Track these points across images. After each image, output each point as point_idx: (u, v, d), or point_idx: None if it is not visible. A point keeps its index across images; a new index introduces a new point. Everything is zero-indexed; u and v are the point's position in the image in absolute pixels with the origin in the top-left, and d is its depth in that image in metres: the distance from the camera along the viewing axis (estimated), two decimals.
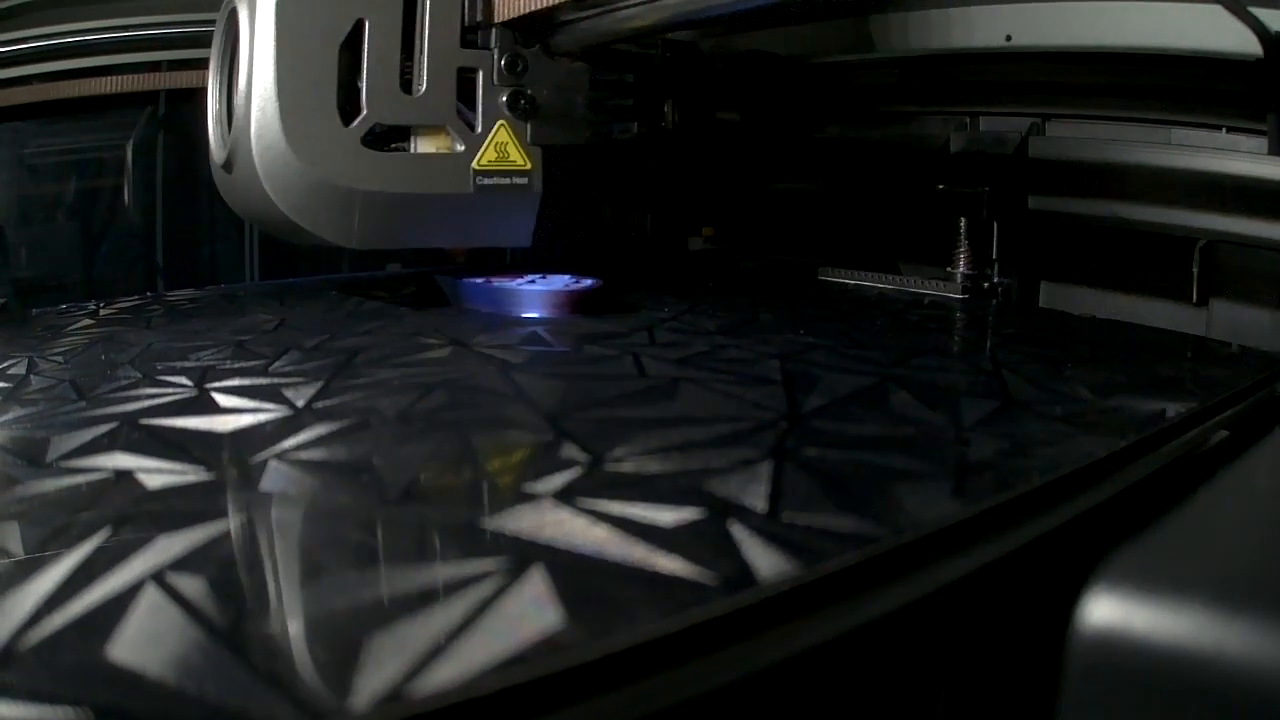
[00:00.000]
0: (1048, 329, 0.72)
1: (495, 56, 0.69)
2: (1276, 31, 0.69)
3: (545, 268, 0.74)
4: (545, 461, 0.38)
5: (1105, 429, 0.43)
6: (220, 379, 0.50)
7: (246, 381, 0.50)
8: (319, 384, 0.48)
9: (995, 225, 0.84)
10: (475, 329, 0.63)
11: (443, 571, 0.28)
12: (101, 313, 0.73)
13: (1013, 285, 0.85)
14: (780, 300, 0.80)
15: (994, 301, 0.83)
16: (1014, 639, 0.33)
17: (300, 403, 0.45)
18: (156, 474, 0.36)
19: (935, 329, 0.70)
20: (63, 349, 0.60)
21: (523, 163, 0.70)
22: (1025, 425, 0.44)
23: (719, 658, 0.25)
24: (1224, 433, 0.44)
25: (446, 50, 0.67)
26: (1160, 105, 0.80)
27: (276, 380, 0.50)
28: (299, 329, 0.64)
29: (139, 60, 1.06)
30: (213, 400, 0.47)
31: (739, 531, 0.30)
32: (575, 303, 0.68)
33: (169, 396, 0.47)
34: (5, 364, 0.56)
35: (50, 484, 0.36)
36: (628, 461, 0.37)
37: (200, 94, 0.74)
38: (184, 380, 0.50)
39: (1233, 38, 0.70)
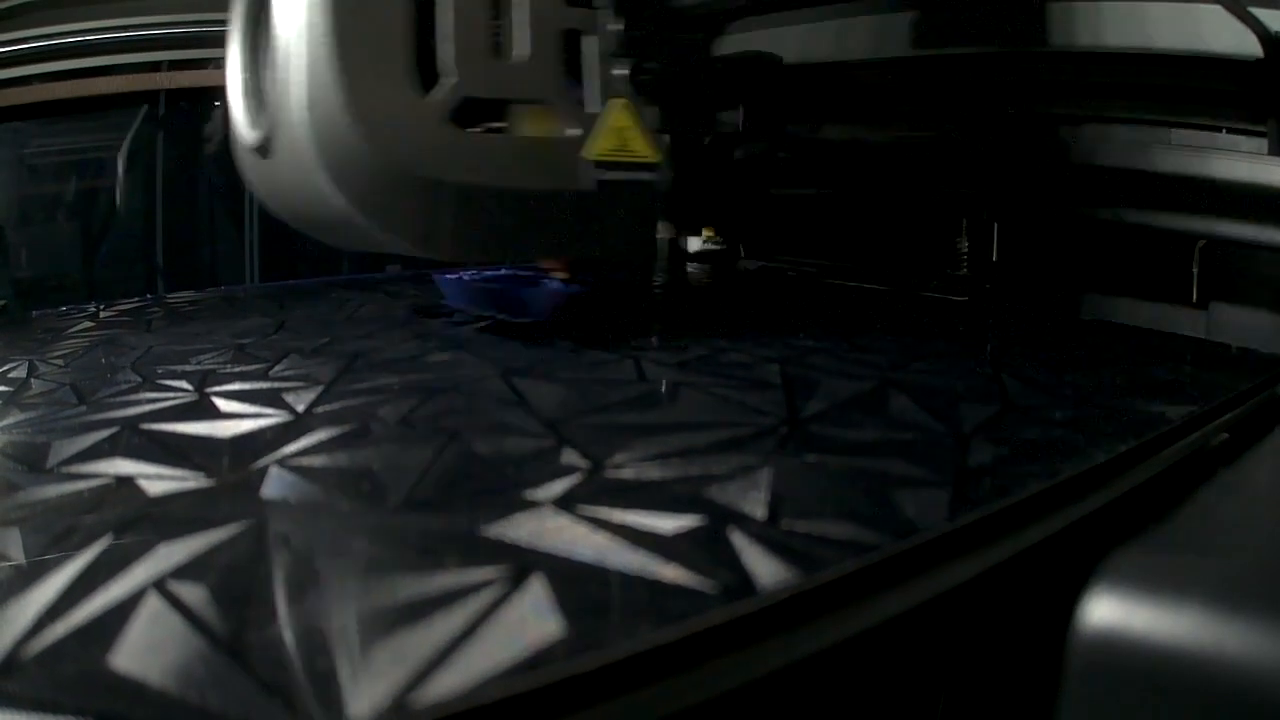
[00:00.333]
0: (1048, 331, 0.72)
1: (609, 17, 0.54)
2: (1276, 31, 0.69)
3: (543, 267, 0.74)
4: (546, 468, 0.38)
5: (1106, 434, 0.43)
6: (221, 383, 0.50)
7: (247, 386, 0.50)
8: (319, 388, 0.48)
9: (995, 227, 0.84)
10: (475, 333, 0.63)
11: (443, 580, 0.28)
12: (102, 315, 0.73)
13: (1012, 287, 0.85)
14: (780, 303, 0.79)
15: (994, 303, 0.83)
16: (1014, 639, 0.33)
17: (301, 408, 0.45)
18: (158, 480, 0.36)
19: (934, 332, 0.70)
20: (63, 352, 0.60)
21: (647, 153, 0.56)
22: (1025, 430, 0.44)
23: (719, 664, 0.25)
24: (1224, 435, 0.44)
25: (550, 6, 0.53)
26: (1160, 106, 0.80)
27: (277, 384, 0.50)
28: (299, 332, 0.64)
29: (139, 60, 1.06)
30: (214, 405, 0.47)
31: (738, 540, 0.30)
32: (576, 305, 0.68)
33: (170, 401, 0.47)
34: (6, 367, 0.56)
35: (52, 490, 0.36)
36: (628, 468, 0.37)
37: (203, 94, 0.72)
38: (185, 385, 0.50)
39: (1233, 38, 0.70)
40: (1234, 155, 0.74)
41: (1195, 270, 0.75)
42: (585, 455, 0.38)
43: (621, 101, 0.54)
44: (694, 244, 1.06)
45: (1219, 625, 0.28)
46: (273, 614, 0.27)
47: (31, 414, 0.47)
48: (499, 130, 0.52)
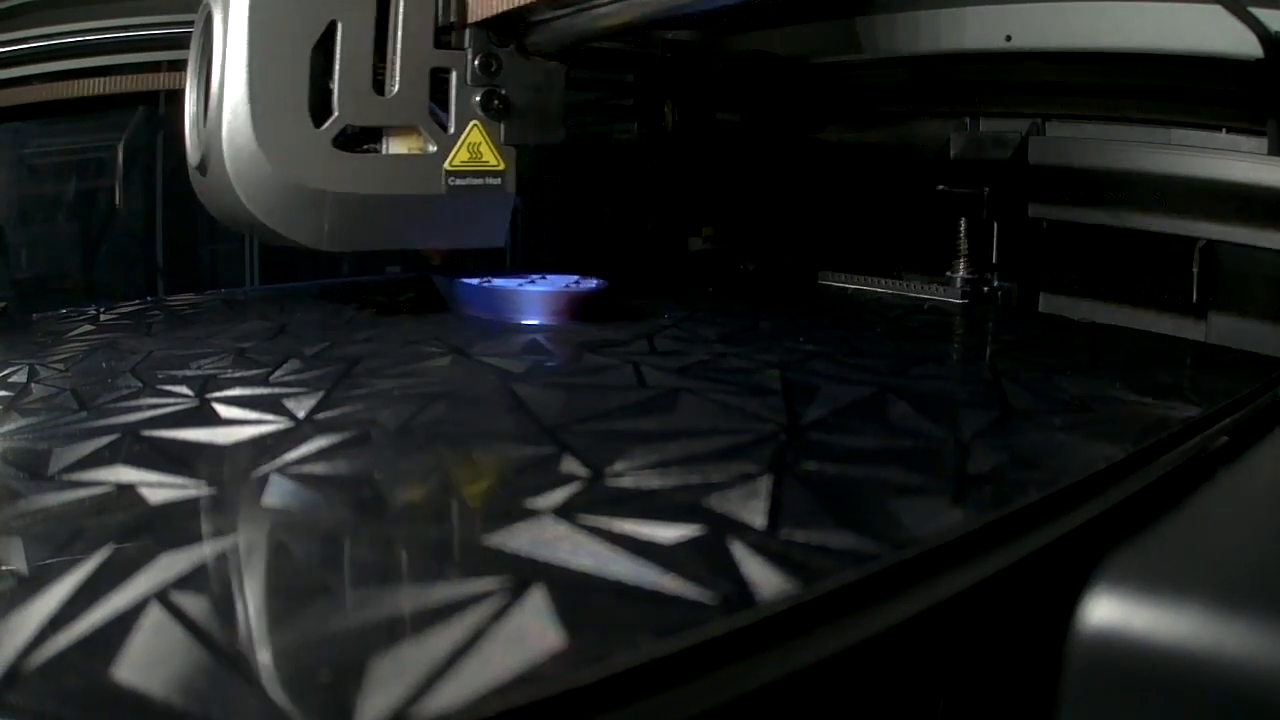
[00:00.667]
0: (1047, 334, 0.72)
1: (469, 57, 0.68)
2: (1276, 32, 0.69)
3: (544, 268, 0.74)
4: (545, 476, 0.38)
5: (1106, 438, 0.43)
6: (221, 388, 0.50)
7: (247, 391, 0.50)
8: (320, 394, 0.48)
9: (995, 227, 0.84)
10: (475, 336, 0.63)
11: (444, 591, 0.28)
12: (102, 318, 0.73)
13: (1013, 290, 0.85)
14: (780, 305, 0.80)
15: (994, 306, 0.83)
16: (1013, 641, 0.33)
17: (301, 414, 0.45)
18: (159, 488, 0.37)
19: (934, 336, 0.70)
20: (63, 356, 0.60)
21: (496, 163, 0.70)
22: (1025, 435, 0.44)
23: (721, 675, 0.25)
24: (1224, 438, 0.44)
25: (420, 51, 0.67)
26: (1160, 106, 0.80)
27: (277, 390, 0.50)
28: (300, 336, 0.64)
29: (139, 60, 1.05)
30: (214, 411, 0.47)
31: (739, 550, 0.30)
32: (578, 306, 0.68)
33: (170, 407, 0.47)
34: (6, 372, 0.56)
35: (53, 498, 0.36)
36: (627, 476, 0.37)
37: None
38: (185, 390, 0.50)
39: (1233, 38, 0.70)
40: (1234, 155, 0.74)
41: (1195, 271, 0.75)
42: (586, 464, 0.38)
43: (475, 123, 0.69)
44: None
45: (1219, 626, 0.28)
46: (271, 624, 0.27)
47: (33, 420, 0.47)
48: (375, 150, 0.67)
